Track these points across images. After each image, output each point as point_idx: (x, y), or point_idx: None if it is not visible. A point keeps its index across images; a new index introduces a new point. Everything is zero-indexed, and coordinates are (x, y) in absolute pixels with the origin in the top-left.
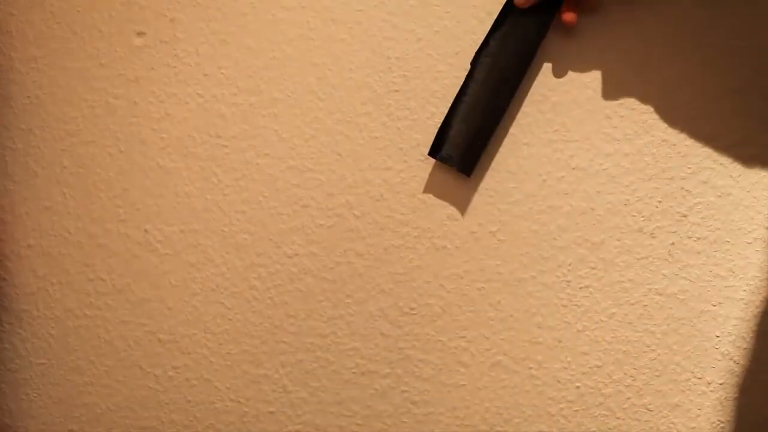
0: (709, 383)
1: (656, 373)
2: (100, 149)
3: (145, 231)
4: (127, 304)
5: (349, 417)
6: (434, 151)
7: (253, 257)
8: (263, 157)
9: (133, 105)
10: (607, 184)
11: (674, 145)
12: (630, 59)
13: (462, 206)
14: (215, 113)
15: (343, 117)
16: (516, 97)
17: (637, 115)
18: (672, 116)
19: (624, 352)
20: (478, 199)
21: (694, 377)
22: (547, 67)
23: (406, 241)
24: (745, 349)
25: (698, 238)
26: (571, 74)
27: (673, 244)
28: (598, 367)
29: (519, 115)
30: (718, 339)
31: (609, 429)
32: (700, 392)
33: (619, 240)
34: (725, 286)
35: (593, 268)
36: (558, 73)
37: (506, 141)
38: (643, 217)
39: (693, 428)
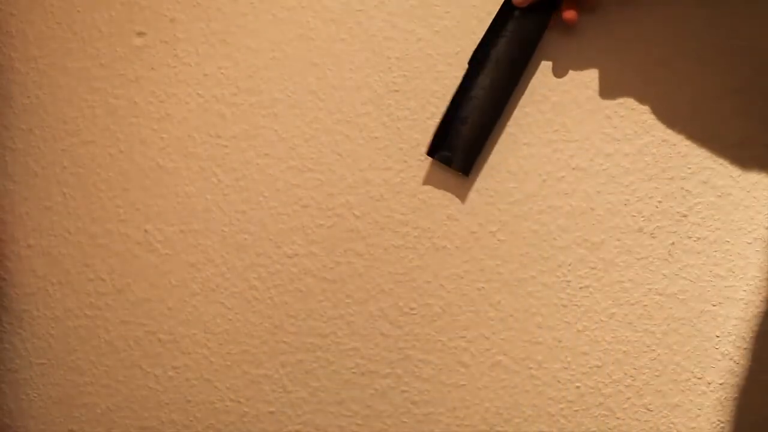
0: (709, 383)
1: (656, 373)
2: (100, 149)
3: (145, 231)
4: (127, 304)
5: (349, 417)
6: (432, 151)
7: (253, 257)
8: (263, 157)
9: (133, 105)
10: (607, 184)
11: (674, 145)
12: (630, 59)
13: (462, 206)
14: (215, 113)
15: (343, 117)
16: (515, 96)
17: (637, 115)
18: (672, 116)
19: (624, 352)
20: (478, 199)
21: (694, 377)
22: (546, 66)
23: (406, 241)
24: (745, 349)
25: (698, 238)
26: (571, 74)
27: (673, 244)
28: (598, 367)
29: (518, 115)
30: (718, 339)
31: (609, 429)
32: (700, 392)
33: (619, 240)
34: (725, 286)
35: (593, 268)
36: (558, 72)
37: (506, 141)
38: (643, 217)
39: (693, 428)
